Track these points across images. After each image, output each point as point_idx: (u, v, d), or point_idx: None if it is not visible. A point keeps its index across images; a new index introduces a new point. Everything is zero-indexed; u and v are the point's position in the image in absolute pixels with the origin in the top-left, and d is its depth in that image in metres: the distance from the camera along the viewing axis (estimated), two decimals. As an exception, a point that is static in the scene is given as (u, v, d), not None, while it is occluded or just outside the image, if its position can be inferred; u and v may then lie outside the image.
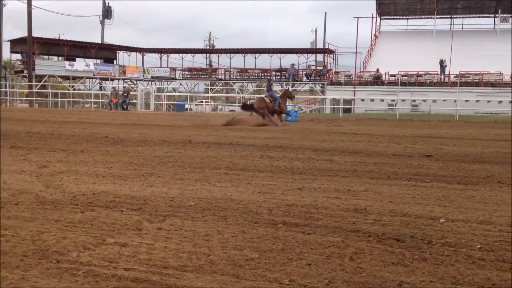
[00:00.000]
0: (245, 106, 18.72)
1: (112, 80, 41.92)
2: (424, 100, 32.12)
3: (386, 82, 35.16)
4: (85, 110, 34.19)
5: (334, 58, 42.05)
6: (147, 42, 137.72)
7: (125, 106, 32.16)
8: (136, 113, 28.15)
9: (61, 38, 44.18)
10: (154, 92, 35.02)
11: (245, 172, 6.42)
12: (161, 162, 7.10)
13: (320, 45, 53.26)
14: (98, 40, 46.98)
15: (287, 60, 42.10)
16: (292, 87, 35.51)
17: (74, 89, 40.35)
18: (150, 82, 42.19)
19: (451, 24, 44.79)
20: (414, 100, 32.39)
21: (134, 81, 42.79)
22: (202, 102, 39.70)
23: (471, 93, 30.91)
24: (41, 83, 37.29)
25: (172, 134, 11.76)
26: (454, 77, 33.39)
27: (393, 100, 31.56)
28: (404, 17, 46.66)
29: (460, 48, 35.52)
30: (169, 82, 44.76)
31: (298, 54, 41.49)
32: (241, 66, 42.31)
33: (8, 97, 37.02)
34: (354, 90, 34.69)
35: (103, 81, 42.04)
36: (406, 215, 4.24)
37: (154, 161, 7.22)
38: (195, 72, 43.83)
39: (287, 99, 18.65)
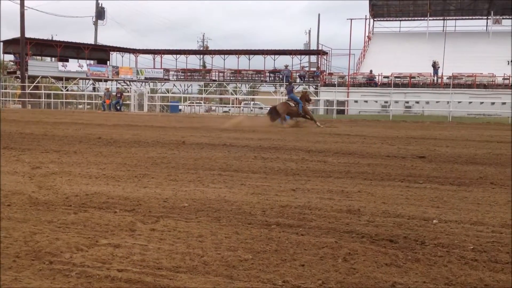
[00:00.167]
0: (272, 111, 17.59)
1: (106, 81, 41.81)
2: (417, 102, 32.26)
3: (379, 83, 35.31)
4: (78, 111, 34.06)
5: (328, 59, 42.29)
6: (141, 43, 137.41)
7: (118, 107, 32.08)
8: (130, 114, 28.08)
9: (54, 39, 44.19)
10: (148, 93, 34.96)
11: (239, 173, 6.41)
12: (154, 163, 7.08)
13: (313, 47, 53.54)
14: (92, 41, 46.90)
15: (281, 62, 42.16)
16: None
17: (67, 90, 40.17)
18: (143, 83, 42.09)
19: (443, 26, 45.18)
20: (407, 102, 32.54)
21: (128, 82, 42.72)
22: (192, 103, 39.53)
23: (464, 94, 31.11)
24: (34, 84, 37.17)
25: (166, 135, 11.72)
26: (447, 78, 33.59)
27: (386, 102, 31.69)
28: (397, 18, 46.97)
29: (453, 50, 35.76)
30: (162, 83, 44.70)
31: (291, 56, 41.59)
32: (235, 67, 42.38)
33: (0, 98, 36.80)
34: (348, 92, 34.80)
35: (97, 82, 41.94)
36: (399, 216, 4.25)
37: (147, 162, 7.20)
38: (189, 73, 43.80)
39: (305, 102, 17.80)
